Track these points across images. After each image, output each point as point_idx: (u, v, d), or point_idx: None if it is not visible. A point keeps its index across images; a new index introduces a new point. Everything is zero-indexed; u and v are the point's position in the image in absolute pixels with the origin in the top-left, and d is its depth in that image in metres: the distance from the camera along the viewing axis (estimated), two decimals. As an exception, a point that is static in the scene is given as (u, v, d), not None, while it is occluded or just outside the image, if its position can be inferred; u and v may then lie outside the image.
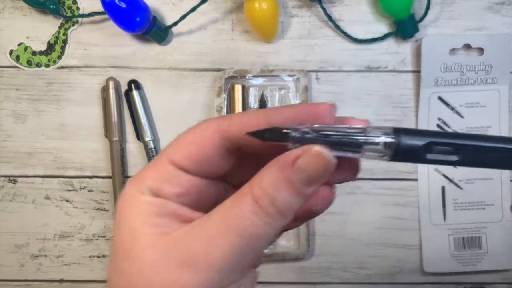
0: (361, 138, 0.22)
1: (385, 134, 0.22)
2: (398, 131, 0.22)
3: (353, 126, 0.22)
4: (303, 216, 0.25)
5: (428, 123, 0.50)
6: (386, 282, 0.50)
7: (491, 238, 0.50)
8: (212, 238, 0.20)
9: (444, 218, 0.50)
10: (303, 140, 0.21)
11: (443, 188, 0.50)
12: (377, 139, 0.22)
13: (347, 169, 0.24)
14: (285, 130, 0.21)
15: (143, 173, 0.23)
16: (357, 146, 0.22)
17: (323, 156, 0.21)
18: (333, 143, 0.21)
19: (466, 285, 0.51)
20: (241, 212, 0.20)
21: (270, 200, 0.20)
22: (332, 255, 0.50)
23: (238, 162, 0.25)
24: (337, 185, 0.51)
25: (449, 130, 0.50)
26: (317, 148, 0.21)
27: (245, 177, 0.22)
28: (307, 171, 0.21)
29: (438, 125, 0.50)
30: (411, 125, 0.50)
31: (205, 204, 0.24)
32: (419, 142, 0.22)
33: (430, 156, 0.22)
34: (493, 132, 0.50)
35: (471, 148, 0.22)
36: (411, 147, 0.22)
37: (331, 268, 0.50)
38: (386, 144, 0.22)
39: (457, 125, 0.50)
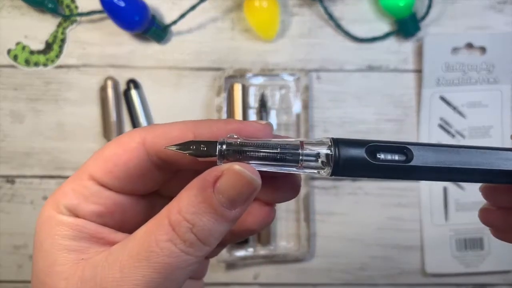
0: (298, 150, 0.20)
1: (323, 144, 0.20)
2: (336, 142, 0.20)
3: (289, 139, 0.21)
4: (239, 234, 0.23)
5: (430, 123, 0.50)
6: (387, 284, 0.50)
7: (493, 239, 0.49)
8: (124, 270, 0.18)
9: (446, 219, 0.50)
10: (231, 155, 0.19)
11: (445, 189, 0.50)
12: (315, 150, 0.20)
13: (286, 187, 0.23)
14: (206, 144, 0.19)
15: (62, 189, 0.21)
16: (294, 160, 0.20)
17: (244, 176, 0.19)
18: (266, 158, 0.20)
19: (468, 286, 0.50)
20: (156, 241, 0.18)
21: (189, 226, 0.18)
22: (332, 256, 0.50)
23: (170, 175, 0.23)
24: (339, 186, 0.50)
25: (451, 130, 0.50)
26: (237, 167, 0.19)
27: (181, 188, 0.20)
28: (228, 193, 0.19)
29: (440, 125, 0.50)
30: (413, 125, 0.50)
31: (132, 223, 0.22)
32: (360, 148, 0.20)
33: (375, 161, 0.20)
34: (495, 132, 0.50)
35: (420, 148, 0.21)
36: (353, 156, 0.20)
37: (331, 269, 0.50)
38: (326, 155, 0.20)
39: (459, 125, 0.50)
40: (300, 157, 0.20)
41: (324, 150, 0.20)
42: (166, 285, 0.19)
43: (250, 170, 0.19)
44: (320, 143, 0.20)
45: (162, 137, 0.21)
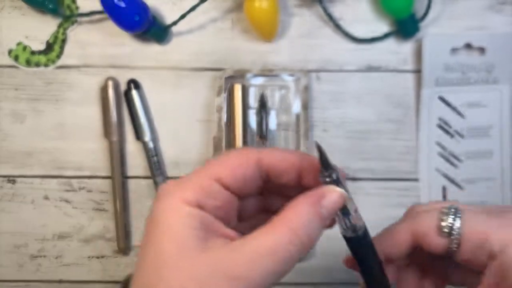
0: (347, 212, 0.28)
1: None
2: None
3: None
4: None
5: (429, 123, 0.50)
6: (386, 283, 0.50)
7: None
8: (253, 261, 0.23)
9: (445, 219, 0.50)
10: (333, 180, 0.27)
11: (444, 188, 0.50)
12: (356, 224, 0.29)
13: None
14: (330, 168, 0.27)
15: (188, 185, 0.26)
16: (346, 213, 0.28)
17: (343, 196, 0.26)
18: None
19: (467, 285, 0.50)
20: (279, 240, 0.24)
21: (306, 230, 0.24)
22: (333, 255, 0.50)
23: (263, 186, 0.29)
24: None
25: (450, 130, 0.50)
26: (339, 189, 0.26)
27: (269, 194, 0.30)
28: (331, 206, 0.26)
29: (439, 125, 0.50)
30: (412, 125, 0.50)
31: (231, 218, 0.27)
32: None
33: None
34: (494, 132, 0.50)
35: None
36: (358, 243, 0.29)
37: (332, 269, 0.50)
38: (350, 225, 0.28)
39: (458, 125, 0.50)
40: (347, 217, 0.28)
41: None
42: (281, 274, 0.24)
43: (345, 193, 0.26)
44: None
45: (279, 160, 0.28)
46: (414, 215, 0.31)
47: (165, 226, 0.24)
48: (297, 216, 0.25)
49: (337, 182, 0.27)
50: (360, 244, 0.29)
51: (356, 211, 0.28)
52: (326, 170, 0.27)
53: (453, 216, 0.28)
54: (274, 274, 0.24)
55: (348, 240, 0.29)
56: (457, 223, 0.28)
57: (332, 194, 0.26)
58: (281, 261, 0.24)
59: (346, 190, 0.27)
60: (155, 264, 0.23)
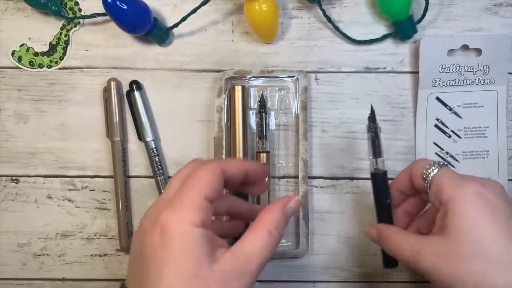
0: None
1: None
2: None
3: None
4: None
5: (426, 123, 0.51)
6: (384, 281, 0.51)
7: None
8: (250, 260, 0.31)
9: (442, 217, 0.50)
10: (376, 133, 0.42)
11: (441, 188, 0.51)
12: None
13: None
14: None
15: (188, 208, 0.31)
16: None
17: (299, 202, 0.37)
18: None
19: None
20: (263, 240, 0.32)
21: (278, 230, 0.33)
22: (331, 253, 0.51)
23: None
24: (337, 184, 0.51)
25: (447, 130, 0.51)
26: (297, 197, 0.36)
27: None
28: (293, 209, 0.35)
29: (436, 125, 0.51)
30: (410, 125, 0.51)
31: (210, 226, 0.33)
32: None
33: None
34: (490, 132, 0.51)
35: None
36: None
37: (330, 266, 0.51)
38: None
39: (455, 126, 0.51)
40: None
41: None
42: (267, 261, 0.32)
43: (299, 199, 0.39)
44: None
45: (236, 168, 0.35)
46: (416, 162, 0.39)
47: (184, 248, 0.30)
48: (271, 220, 0.33)
49: (376, 135, 0.41)
50: (380, 181, 0.41)
51: (383, 161, 0.41)
52: (373, 124, 0.41)
53: (434, 167, 0.36)
54: (264, 263, 0.32)
55: (374, 177, 0.42)
56: (433, 173, 0.36)
57: (293, 201, 0.36)
58: (267, 253, 0.32)
59: (380, 143, 0.41)
60: (181, 279, 0.29)
